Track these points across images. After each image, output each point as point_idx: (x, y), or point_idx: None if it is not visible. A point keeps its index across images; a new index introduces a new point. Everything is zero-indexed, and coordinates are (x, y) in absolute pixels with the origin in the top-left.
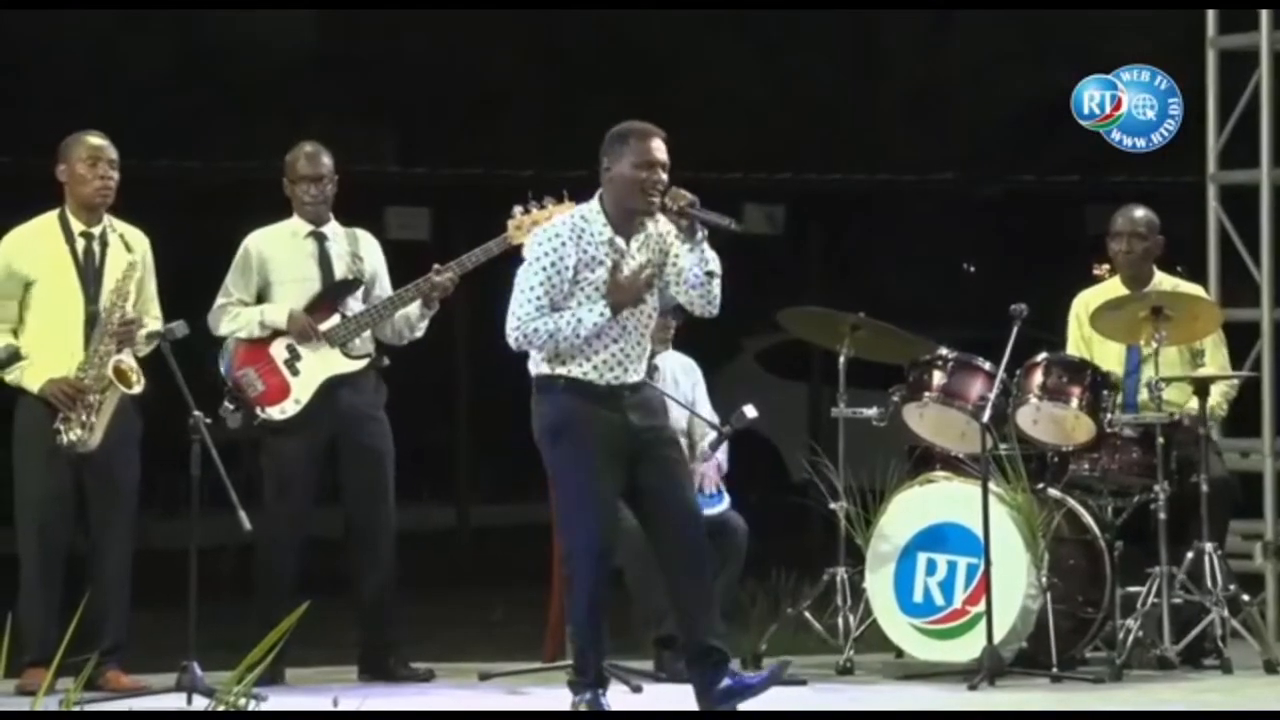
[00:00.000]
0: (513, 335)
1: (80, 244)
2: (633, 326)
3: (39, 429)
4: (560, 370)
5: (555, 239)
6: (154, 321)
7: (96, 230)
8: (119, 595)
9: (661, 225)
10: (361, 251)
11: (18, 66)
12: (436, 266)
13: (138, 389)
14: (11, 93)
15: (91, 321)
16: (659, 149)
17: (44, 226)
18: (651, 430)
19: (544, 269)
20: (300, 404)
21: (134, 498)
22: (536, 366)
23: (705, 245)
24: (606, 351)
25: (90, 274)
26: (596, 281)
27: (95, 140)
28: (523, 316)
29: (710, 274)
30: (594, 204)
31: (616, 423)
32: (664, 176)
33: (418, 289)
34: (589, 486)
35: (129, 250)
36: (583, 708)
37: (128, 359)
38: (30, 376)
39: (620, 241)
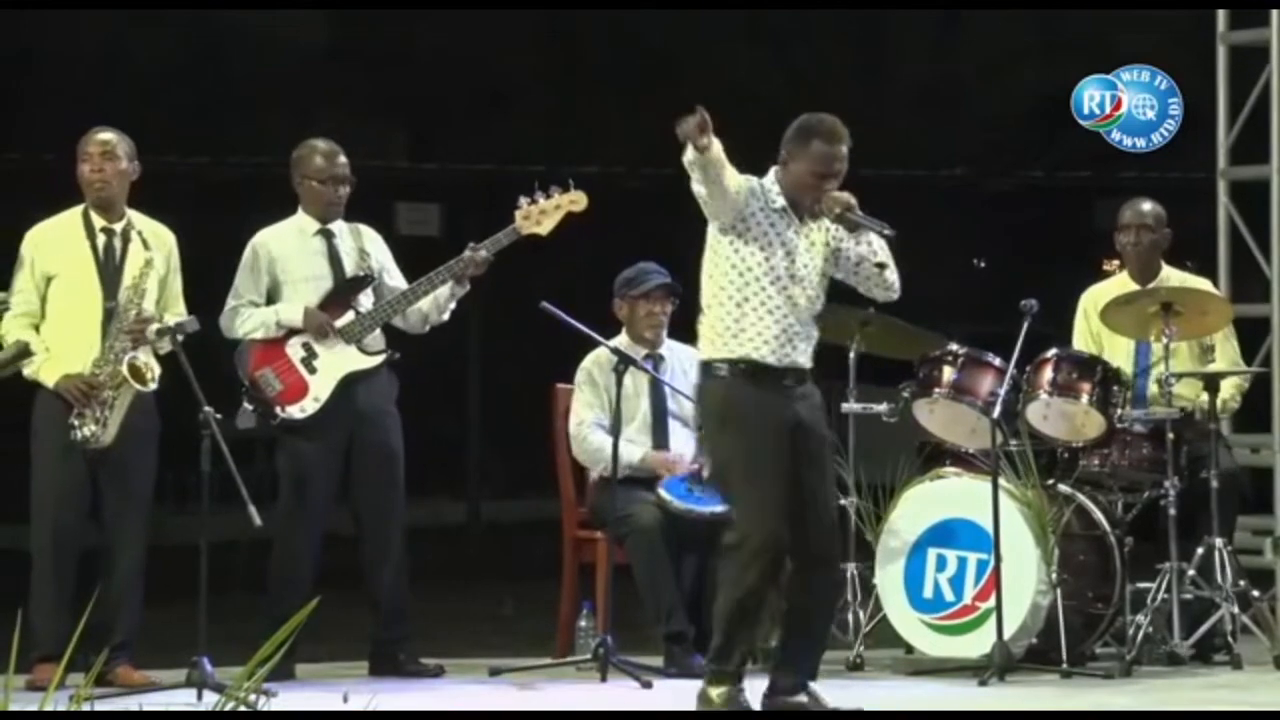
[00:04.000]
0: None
1: (101, 240)
2: (803, 304)
3: (55, 424)
4: (736, 352)
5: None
6: (175, 320)
7: (118, 227)
8: (132, 592)
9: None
10: (368, 247)
11: (27, 62)
12: (471, 245)
13: (152, 386)
14: (21, 89)
15: (109, 318)
16: (841, 155)
17: (67, 222)
18: (815, 428)
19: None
20: (320, 402)
21: (149, 495)
22: (706, 350)
23: (871, 238)
24: (778, 327)
25: (110, 270)
26: (769, 233)
27: (93, 135)
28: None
29: (880, 265)
30: (770, 178)
31: (785, 411)
32: (837, 182)
33: (450, 270)
34: (756, 473)
35: (146, 248)
36: (724, 708)
37: (143, 356)
38: (47, 371)
39: (793, 216)
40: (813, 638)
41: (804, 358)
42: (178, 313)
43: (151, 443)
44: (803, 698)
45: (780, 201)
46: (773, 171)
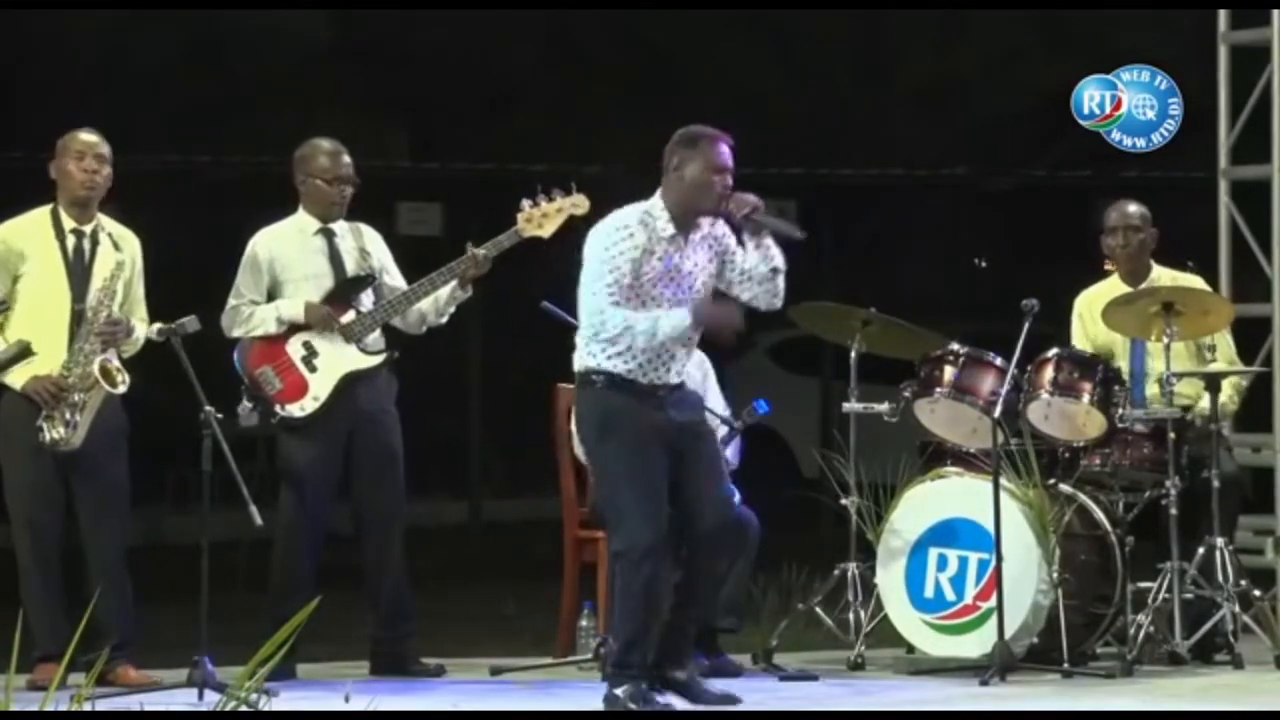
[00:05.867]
0: (591, 325)
1: (70, 241)
2: None
3: (23, 425)
4: (605, 365)
5: (624, 230)
6: (140, 323)
7: (88, 228)
8: (119, 591)
9: (718, 227)
10: (369, 246)
11: (28, 61)
12: (470, 245)
13: (122, 389)
14: (21, 88)
15: (77, 320)
16: (728, 155)
17: (36, 221)
18: (691, 425)
19: (613, 258)
20: (319, 400)
21: (123, 494)
22: (580, 361)
23: (770, 243)
24: (651, 350)
25: (79, 272)
26: (654, 276)
27: (84, 136)
28: (597, 308)
29: (775, 270)
30: (656, 201)
31: (658, 418)
32: (730, 181)
33: (451, 271)
34: (638, 480)
35: (118, 250)
36: (630, 704)
37: (113, 359)
38: (15, 372)
39: (681, 239)
40: (690, 622)
41: (675, 376)
42: (141, 316)
43: (120, 442)
44: (680, 674)
45: (670, 230)
46: (657, 194)
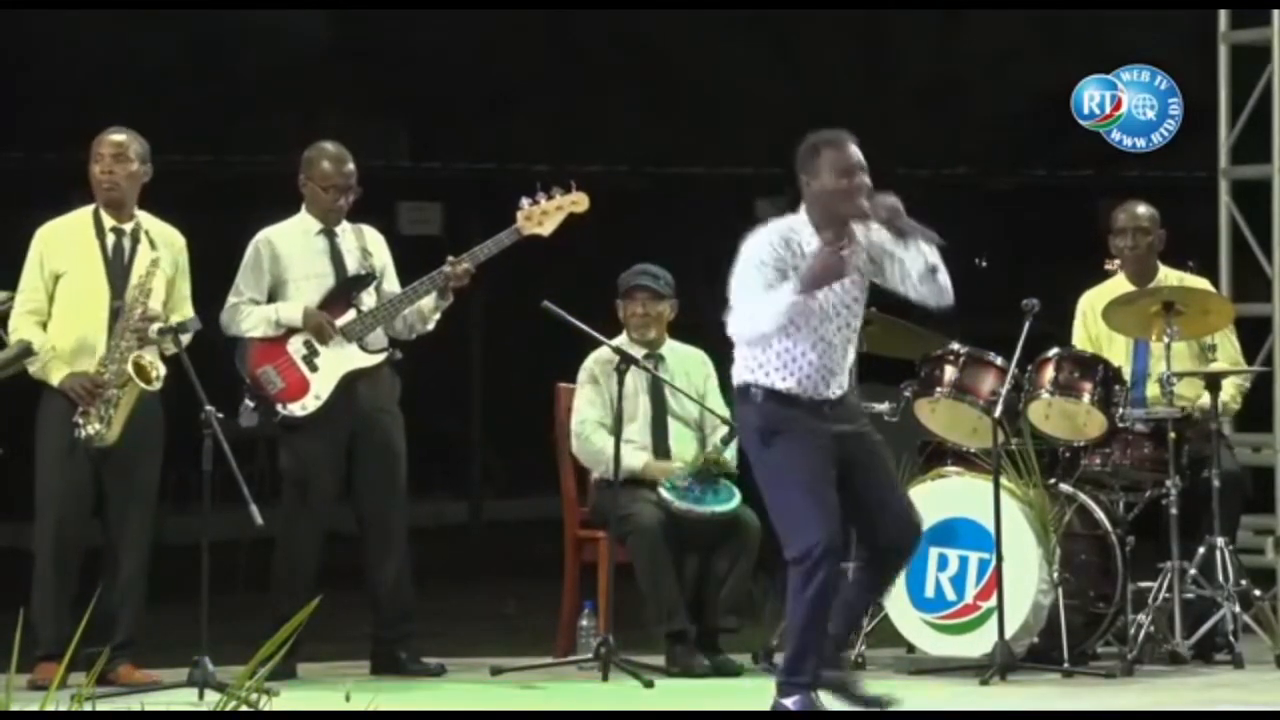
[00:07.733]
0: (732, 329)
1: (110, 240)
2: (838, 341)
3: (60, 422)
4: (763, 381)
5: (766, 241)
6: (175, 320)
7: (128, 227)
8: (135, 591)
9: (874, 233)
10: (370, 246)
11: (30, 62)
12: (451, 258)
13: (157, 385)
14: (24, 88)
15: (116, 317)
16: (854, 154)
17: (77, 221)
18: (858, 434)
19: (758, 266)
20: (321, 399)
21: (153, 494)
22: (739, 375)
23: (920, 242)
24: (810, 367)
25: (118, 270)
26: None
27: (103, 137)
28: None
29: (932, 268)
30: (801, 215)
31: (822, 427)
32: (866, 179)
33: (432, 282)
34: (804, 482)
35: (153, 248)
36: (792, 710)
37: (149, 355)
38: (53, 370)
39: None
40: (854, 625)
41: (836, 390)
42: (185, 314)
43: (156, 441)
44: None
45: (815, 242)
46: (802, 210)
